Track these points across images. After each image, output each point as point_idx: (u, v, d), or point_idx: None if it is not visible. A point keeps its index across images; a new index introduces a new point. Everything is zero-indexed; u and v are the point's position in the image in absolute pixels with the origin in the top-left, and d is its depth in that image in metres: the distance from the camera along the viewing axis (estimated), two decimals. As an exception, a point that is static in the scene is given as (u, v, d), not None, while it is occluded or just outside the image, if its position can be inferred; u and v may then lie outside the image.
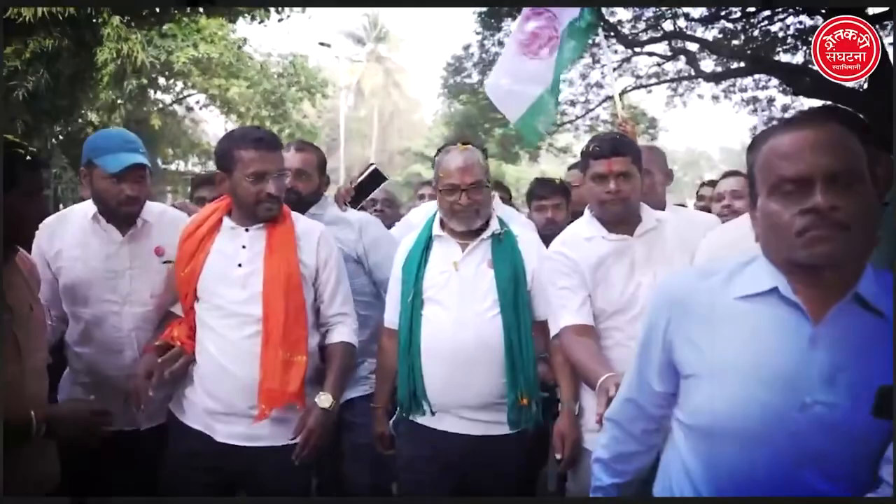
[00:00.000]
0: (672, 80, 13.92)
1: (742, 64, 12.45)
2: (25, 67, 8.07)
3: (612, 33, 12.07)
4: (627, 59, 13.29)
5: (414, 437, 2.36)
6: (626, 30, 12.83)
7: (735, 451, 1.21)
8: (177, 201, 3.48)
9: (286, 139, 15.65)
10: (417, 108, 42.02)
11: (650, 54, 13.31)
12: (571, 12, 3.90)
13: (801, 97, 12.30)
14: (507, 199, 3.89)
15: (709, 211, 3.68)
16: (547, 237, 3.01)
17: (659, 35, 12.80)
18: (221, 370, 2.19)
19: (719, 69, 13.12)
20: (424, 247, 2.40)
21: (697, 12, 12.35)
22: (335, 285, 2.36)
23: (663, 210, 2.64)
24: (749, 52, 12.23)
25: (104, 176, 2.23)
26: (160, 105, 14.15)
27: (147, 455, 2.31)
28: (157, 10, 10.43)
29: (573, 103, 14.61)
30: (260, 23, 11.51)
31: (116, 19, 8.66)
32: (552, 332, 2.30)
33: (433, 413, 2.30)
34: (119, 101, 10.47)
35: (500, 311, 2.27)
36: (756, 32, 12.41)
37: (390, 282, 2.51)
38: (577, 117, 14.65)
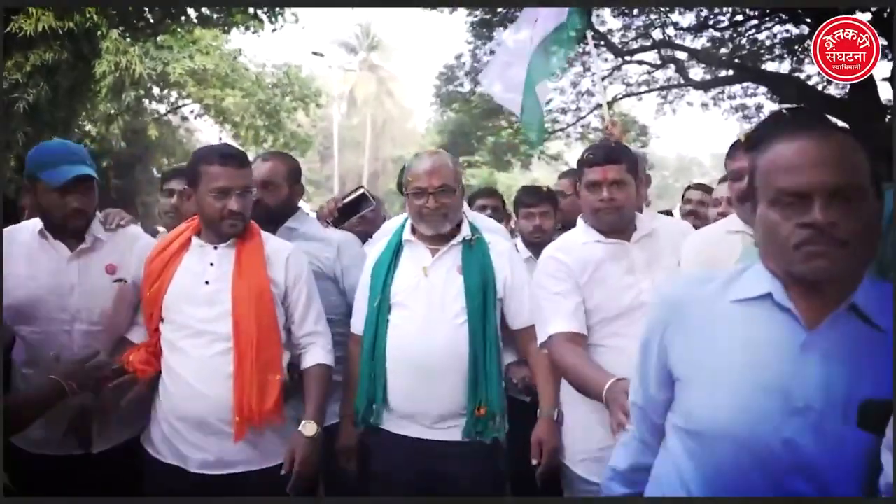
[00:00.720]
0: (662, 88, 14.10)
1: (731, 72, 12.65)
2: (26, 80, 8.19)
3: (602, 42, 12.25)
4: (618, 68, 13.45)
5: (380, 446, 2.30)
6: (615, 39, 13.02)
7: (727, 454, 1.21)
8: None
9: (281, 148, 15.85)
10: (410, 117, 42.15)
11: (640, 63, 13.52)
12: (557, 16, 3.85)
13: (787, 105, 12.49)
14: (501, 207, 3.88)
15: (697, 214, 3.78)
16: (535, 244, 3.04)
17: (649, 44, 13.00)
18: (191, 390, 2.14)
19: (708, 77, 13.33)
20: (394, 252, 2.36)
21: (686, 21, 12.58)
22: (306, 304, 2.31)
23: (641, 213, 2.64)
24: (737, 60, 12.44)
25: (48, 190, 2.15)
26: (156, 115, 14.24)
27: (99, 480, 2.21)
28: (152, 20, 10.58)
29: (564, 111, 14.75)
30: (254, 33, 11.63)
31: (115, 33, 8.79)
32: (539, 338, 2.24)
33: (377, 427, 2.26)
34: (116, 113, 10.56)
35: (466, 318, 2.23)
36: (743, 41, 12.63)
37: (358, 288, 2.46)
38: (569, 125, 14.78)
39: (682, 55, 12.89)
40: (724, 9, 11.91)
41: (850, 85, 10.20)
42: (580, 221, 2.37)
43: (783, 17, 11.45)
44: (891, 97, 9.91)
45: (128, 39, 9.29)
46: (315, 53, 24.27)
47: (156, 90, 13.64)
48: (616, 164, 2.22)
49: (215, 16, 11.14)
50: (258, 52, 27.25)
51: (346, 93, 38.73)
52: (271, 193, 2.63)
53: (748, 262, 1.75)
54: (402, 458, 2.25)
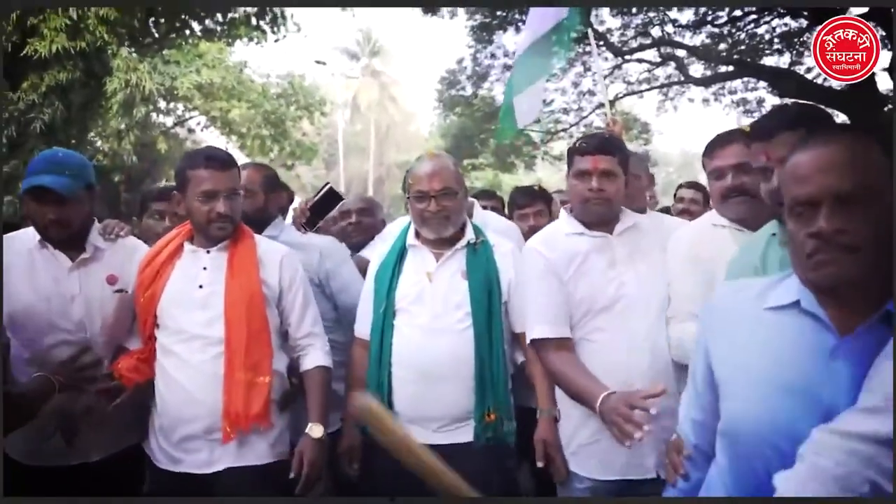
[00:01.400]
0: (662, 86, 14.17)
1: (731, 68, 12.72)
2: (42, 100, 8.43)
3: (602, 42, 12.35)
4: (618, 66, 13.54)
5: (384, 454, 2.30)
6: (615, 38, 13.12)
7: (758, 455, 1.21)
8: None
9: (287, 157, 16.02)
10: (413, 121, 42.31)
11: (640, 61, 13.61)
12: (556, 16, 3.83)
13: (787, 99, 12.56)
14: (501, 208, 3.84)
15: (690, 213, 3.76)
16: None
17: (648, 42, 13.10)
18: (185, 395, 2.14)
19: (708, 73, 13.40)
20: (398, 256, 2.33)
21: (685, 18, 12.68)
22: (303, 307, 2.31)
23: (644, 214, 2.66)
24: (736, 56, 12.52)
25: (27, 199, 2.16)
26: (163, 128, 14.46)
27: (99, 489, 2.21)
28: (157, 35, 10.78)
29: (566, 111, 14.84)
30: (257, 44, 11.79)
31: (125, 51, 9.00)
32: (527, 337, 2.24)
33: None
34: (127, 128, 10.78)
35: (472, 323, 2.20)
36: (742, 36, 12.71)
37: (362, 292, 2.44)
38: (571, 125, 14.83)
39: (681, 52, 12.98)
40: (723, 4, 12.01)
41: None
42: (563, 212, 2.37)
43: (781, 11, 11.52)
44: (889, 87, 9.98)
45: (135, 56, 9.51)
46: (318, 62, 24.48)
47: (162, 103, 13.83)
48: (608, 154, 2.19)
49: (218, 28, 11.32)
50: (262, 63, 27.49)
51: (350, 99, 38.94)
52: (247, 201, 2.59)
53: (745, 258, 1.80)
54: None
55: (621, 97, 14.34)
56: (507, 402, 2.24)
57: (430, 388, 2.19)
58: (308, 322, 2.32)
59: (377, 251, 2.44)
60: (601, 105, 12.89)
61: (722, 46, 12.85)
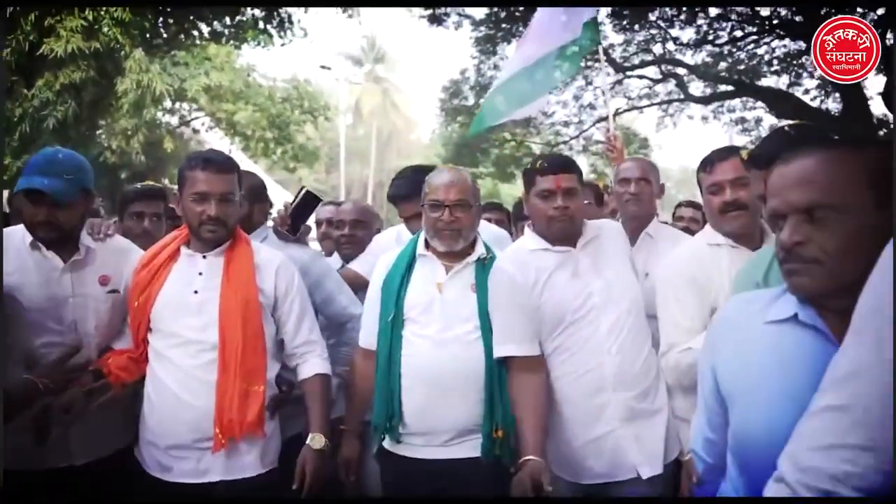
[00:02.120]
0: (663, 102, 14.38)
1: (730, 87, 12.92)
2: (56, 98, 8.63)
3: (605, 57, 12.50)
4: (619, 82, 13.74)
5: (391, 470, 2.29)
6: (616, 54, 13.31)
7: (763, 467, 1.18)
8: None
9: (289, 160, 16.15)
10: (415, 128, 42.51)
11: (641, 77, 13.82)
12: (571, 32, 3.91)
13: (784, 121, 12.75)
14: (506, 221, 3.82)
15: (689, 231, 3.73)
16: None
17: (650, 59, 13.30)
18: (176, 400, 2.12)
19: (708, 91, 13.61)
20: (407, 265, 2.32)
21: (686, 36, 12.89)
22: (300, 314, 2.30)
23: (652, 222, 2.80)
24: (735, 77, 12.71)
25: (20, 197, 2.15)
26: (169, 127, 14.62)
27: (84, 492, 2.17)
28: (165, 36, 10.96)
29: (567, 124, 15.01)
30: (263, 47, 11.96)
31: (138, 52, 9.19)
32: (494, 354, 2.20)
33: (399, 441, 2.22)
34: (136, 127, 10.95)
35: (480, 335, 2.20)
36: (742, 55, 12.92)
37: (367, 301, 2.41)
38: (571, 138, 15.02)
39: (682, 70, 13.18)
40: (724, 24, 12.22)
41: (844, 101, 10.47)
42: (527, 230, 2.42)
43: (780, 32, 11.73)
44: (884, 112, 10.17)
45: (147, 57, 9.70)
46: (323, 67, 24.62)
47: (168, 103, 14.00)
48: (570, 172, 2.28)
49: (226, 31, 11.50)
50: (268, 66, 27.66)
51: (353, 104, 39.12)
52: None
53: (749, 273, 1.81)
54: (415, 481, 2.22)
55: (622, 112, 14.51)
56: (514, 419, 2.20)
57: (438, 398, 2.18)
58: (305, 329, 2.31)
59: (382, 261, 2.42)
60: (602, 119, 13.12)
61: (722, 66, 13.06)
